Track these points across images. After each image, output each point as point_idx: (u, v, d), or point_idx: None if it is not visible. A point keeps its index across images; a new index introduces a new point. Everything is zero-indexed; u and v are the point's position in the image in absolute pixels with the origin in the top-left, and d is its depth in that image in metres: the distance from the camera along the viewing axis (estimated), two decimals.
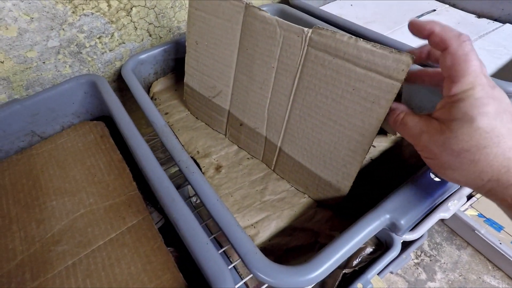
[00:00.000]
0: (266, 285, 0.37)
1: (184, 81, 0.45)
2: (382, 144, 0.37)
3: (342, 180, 0.30)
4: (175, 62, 0.54)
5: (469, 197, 0.90)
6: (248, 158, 0.39)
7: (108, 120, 0.49)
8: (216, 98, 0.41)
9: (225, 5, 0.35)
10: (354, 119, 0.27)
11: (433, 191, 0.25)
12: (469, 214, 0.86)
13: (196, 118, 0.46)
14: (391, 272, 0.84)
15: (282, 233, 0.31)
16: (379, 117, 0.25)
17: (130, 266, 0.30)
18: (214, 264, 0.23)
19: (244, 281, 0.39)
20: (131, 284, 0.29)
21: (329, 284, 0.49)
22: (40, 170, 0.42)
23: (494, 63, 0.48)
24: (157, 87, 0.52)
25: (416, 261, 0.90)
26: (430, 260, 0.90)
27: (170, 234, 0.34)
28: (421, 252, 0.92)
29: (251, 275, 0.36)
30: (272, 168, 0.37)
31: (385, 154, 0.36)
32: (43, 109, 0.46)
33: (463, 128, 0.18)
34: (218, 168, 0.37)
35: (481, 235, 0.81)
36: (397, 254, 0.52)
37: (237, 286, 0.37)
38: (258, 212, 0.32)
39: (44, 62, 0.48)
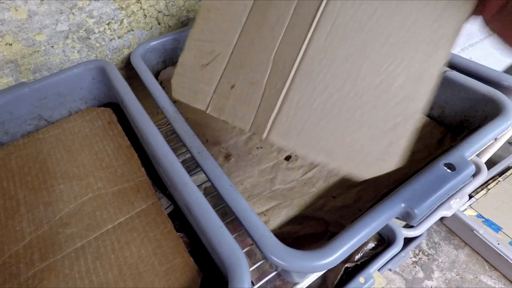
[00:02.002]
0: (270, 276, 0.37)
1: (179, 59, 0.35)
2: None
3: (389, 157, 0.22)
4: None
5: (468, 197, 0.91)
6: (257, 148, 0.39)
7: (115, 107, 0.49)
8: (209, 65, 0.32)
9: None
10: (413, 49, 0.20)
11: (446, 182, 0.25)
12: (468, 214, 0.87)
13: (176, 100, 0.35)
14: (390, 270, 0.85)
15: (293, 221, 0.31)
16: (447, 49, 0.19)
17: (140, 250, 0.30)
18: (229, 247, 0.23)
19: None
20: (142, 267, 0.29)
21: (331, 278, 0.50)
22: (47, 154, 0.42)
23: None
24: (165, 75, 0.51)
25: (414, 259, 0.91)
26: (428, 259, 0.90)
27: (180, 220, 0.34)
28: (419, 251, 0.92)
29: (254, 266, 0.36)
30: (266, 134, 0.27)
31: None
32: (51, 93, 0.45)
33: None
34: (227, 157, 0.37)
35: (479, 235, 0.82)
36: (400, 249, 0.53)
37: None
38: (268, 201, 0.32)
39: (52, 46, 0.48)
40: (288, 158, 0.36)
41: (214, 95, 0.32)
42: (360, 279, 0.48)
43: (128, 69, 0.57)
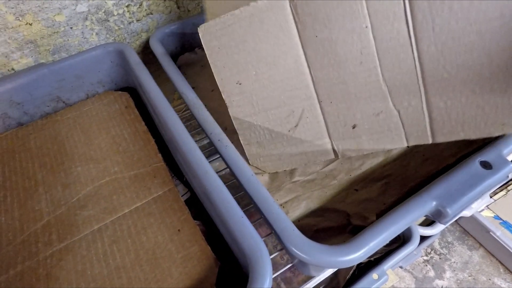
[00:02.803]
0: (285, 268, 0.37)
1: (244, 144, 0.35)
2: None
3: None
4: None
5: None
6: None
7: (131, 91, 0.49)
8: (300, 123, 0.32)
9: (259, 16, 0.29)
10: None
11: (482, 181, 0.23)
12: (485, 215, 0.85)
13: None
14: (401, 267, 0.84)
15: (312, 213, 0.30)
16: None
17: (157, 236, 0.30)
18: (250, 238, 0.22)
19: None
20: (158, 253, 0.29)
21: (343, 273, 0.49)
22: (65, 136, 0.42)
23: None
24: (183, 61, 0.50)
25: (425, 258, 0.89)
26: (440, 258, 0.89)
27: (196, 208, 0.33)
28: (431, 250, 0.91)
29: None
30: (432, 139, 0.30)
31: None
32: (69, 75, 0.45)
33: None
34: None
35: (496, 237, 0.80)
36: (415, 247, 0.51)
37: None
38: (288, 192, 0.31)
39: (71, 28, 0.47)
40: None
41: (332, 142, 0.32)
42: (374, 275, 0.47)
43: (145, 54, 0.56)
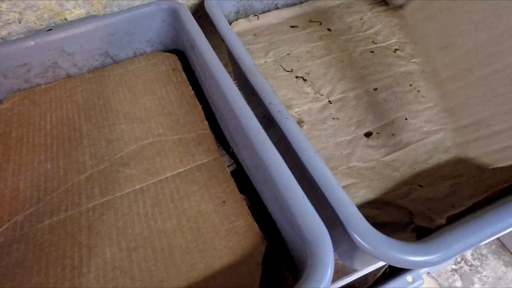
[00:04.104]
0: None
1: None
2: None
3: None
4: (260, 4, 0.49)
5: None
6: (333, 118, 0.34)
7: (179, 55, 0.47)
8: None
9: None
10: None
11: None
12: None
13: None
14: (428, 273, 0.80)
15: (370, 205, 0.27)
16: None
17: (200, 204, 0.29)
18: (312, 222, 0.20)
19: None
20: (201, 223, 0.27)
21: (373, 271, 0.46)
22: (111, 92, 0.41)
23: None
24: (236, 27, 0.48)
25: (454, 267, 0.85)
26: (470, 270, 0.84)
27: (241, 182, 0.32)
28: (461, 259, 0.86)
29: None
30: None
31: None
32: (120, 31, 0.44)
33: None
34: (299, 123, 0.34)
35: None
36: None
37: None
38: (344, 177, 0.29)
39: None
40: (368, 134, 0.32)
41: None
42: (408, 277, 0.44)
43: (197, 17, 0.54)
